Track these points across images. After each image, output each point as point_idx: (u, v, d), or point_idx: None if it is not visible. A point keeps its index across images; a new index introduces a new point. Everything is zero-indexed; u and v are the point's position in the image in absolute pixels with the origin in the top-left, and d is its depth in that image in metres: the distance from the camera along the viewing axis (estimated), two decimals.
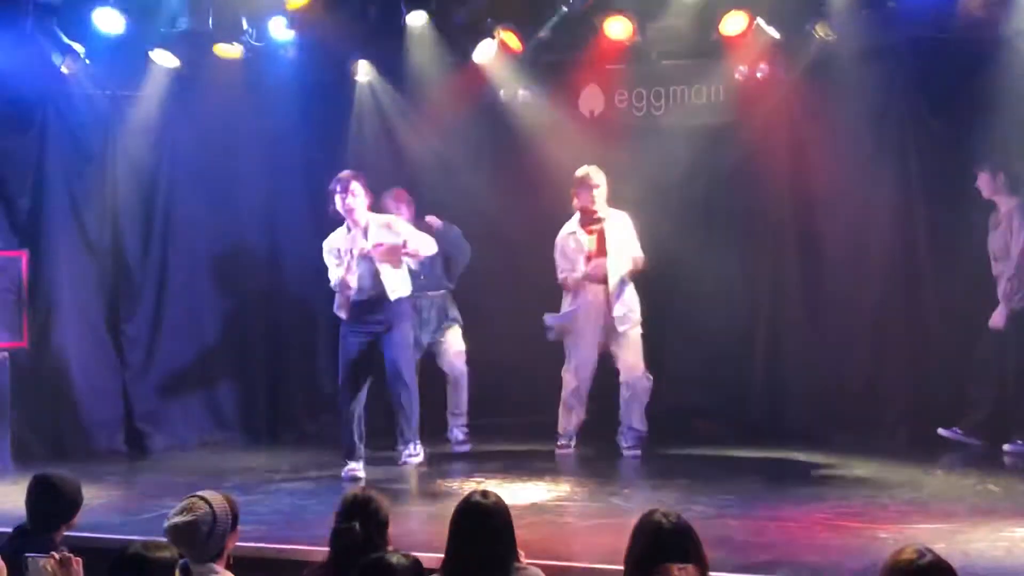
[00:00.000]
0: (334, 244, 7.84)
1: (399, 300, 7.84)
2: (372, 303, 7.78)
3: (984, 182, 8.17)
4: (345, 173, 7.90)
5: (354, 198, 7.77)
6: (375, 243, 7.71)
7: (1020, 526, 5.91)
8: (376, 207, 8.18)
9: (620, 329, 8.26)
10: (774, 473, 7.68)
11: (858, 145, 8.89)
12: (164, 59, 8.95)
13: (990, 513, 6.27)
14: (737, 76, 9.12)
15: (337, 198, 7.79)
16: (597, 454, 8.48)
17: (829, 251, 9.06)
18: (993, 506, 6.50)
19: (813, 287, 9.13)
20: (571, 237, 8.39)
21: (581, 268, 8.32)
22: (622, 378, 8.35)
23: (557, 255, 8.43)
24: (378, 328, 7.78)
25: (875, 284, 8.88)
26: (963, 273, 8.45)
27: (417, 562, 3.82)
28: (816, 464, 7.87)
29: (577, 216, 8.44)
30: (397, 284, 7.84)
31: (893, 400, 8.77)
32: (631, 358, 8.31)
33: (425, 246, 7.97)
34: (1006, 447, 8.10)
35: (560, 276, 8.44)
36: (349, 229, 7.85)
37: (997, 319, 8.10)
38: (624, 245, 8.35)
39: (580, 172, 8.36)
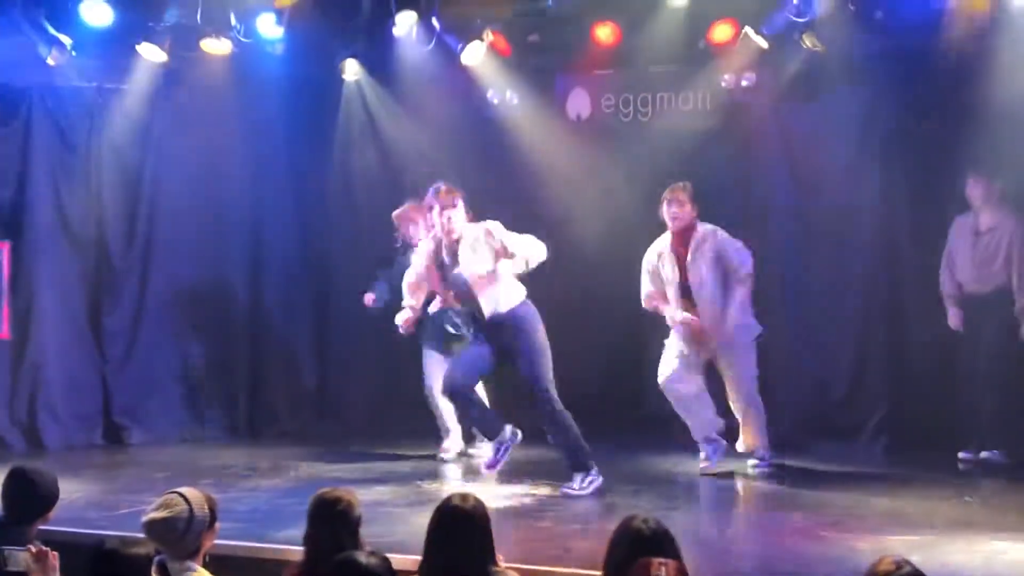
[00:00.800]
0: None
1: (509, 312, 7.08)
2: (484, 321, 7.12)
3: (978, 189, 8.16)
4: (441, 187, 7.14)
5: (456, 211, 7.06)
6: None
7: (997, 538, 5.92)
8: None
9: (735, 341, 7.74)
10: (754, 480, 7.68)
11: (844, 154, 8.92)
12: (151, 53, 8.90)
13: (967, 525, 6.27)
14: (724, 84, 9.14)
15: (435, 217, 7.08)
16: None
17: (813, 258, 9.08)
18: (970, 517, 6.50)
19: (796, 293, 9.14)
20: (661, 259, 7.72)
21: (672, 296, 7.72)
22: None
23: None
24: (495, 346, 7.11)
25: (858, 292, 8.91)
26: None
27: (387, 561, 3.79)
28: (796, 472, 7.86)
29: (668, 236, 7.74)
30: (496, 296, 7.07)
31: (873, 409, 8.79)
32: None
33: (534, 251, 7.09)
34: (961, 454, 8.15)
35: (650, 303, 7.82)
36: (438, 252, 7.18)
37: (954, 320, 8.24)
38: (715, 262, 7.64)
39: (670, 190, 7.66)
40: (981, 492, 7.21)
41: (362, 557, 3.73)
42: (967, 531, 6.09)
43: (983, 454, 8.09)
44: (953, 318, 8.27)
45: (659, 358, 7.99)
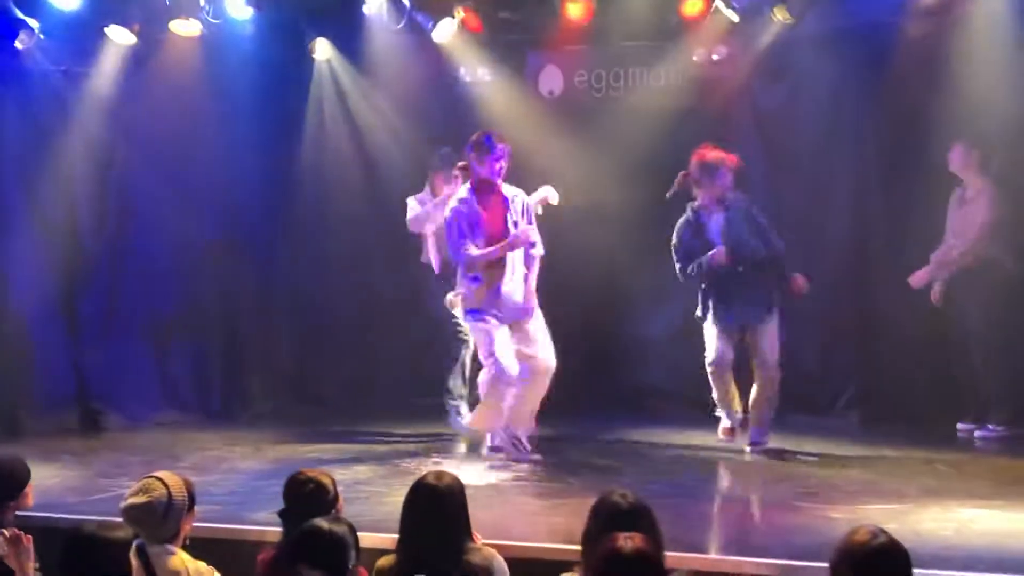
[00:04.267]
0: None
1: None
2: None
3: (957, 156, 8.17)
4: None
5: None
6: None
7: (969, 506, 5.99)
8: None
9: None
10: (730, 454, 7.73)
11: (816, 129, 8.96)
12: (120, 35, 8.85)
13: (940, 493, 6.34)
14: (695, 59, 9.15)
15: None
16: (557, 435, 8.51)
17: (785, 233, 9.10)
18: (943, 486, 6.57)
19: None
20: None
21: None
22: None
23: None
24: None
25: (829, 266, 8.96)
26: (916, 256, 8.52)
27: (351, 527, 3.79)
28: (771, 445, 7.91)
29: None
30: None
31: (845, 382, 8.87)
32: None
33: None
34: (960, 425, 8.20)
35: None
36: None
37: (918, 278, 8.21)
38: None
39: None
40: (953, 462, 7.28)
41: (325, 524, 3.73)
42: (940, 500, 6.16)
43: (982, 432, 8.10)
44: (934, 292, 8.25)
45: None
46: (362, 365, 9.81)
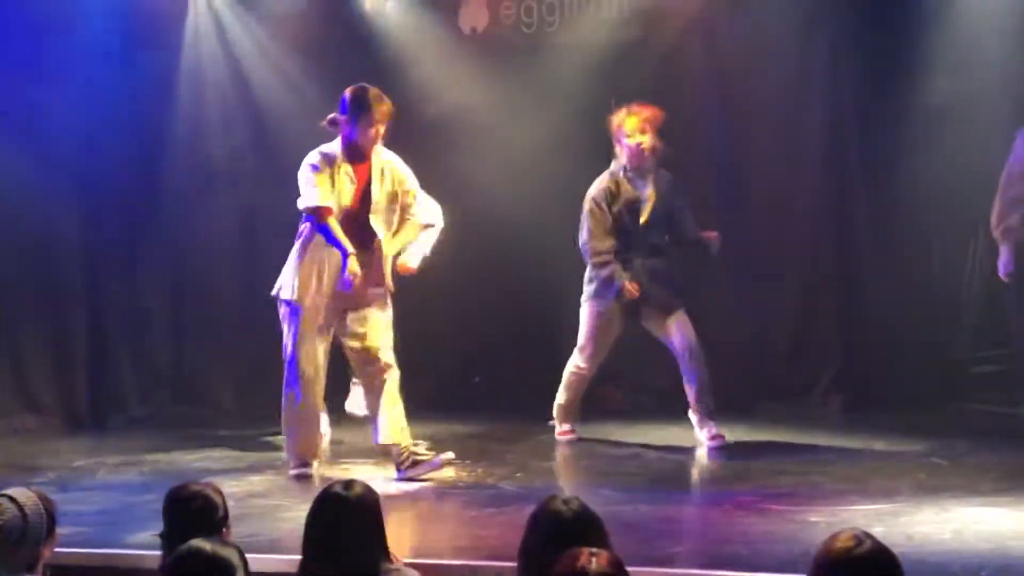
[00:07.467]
0: None
1: None
2: None
3: None
4: None
5: None
6: None
7: (969, 505, 6.09)
8: None
9: None
10: (691, 449, 7.80)
11: (783, 69, 9.02)
12: None
13: (936, 490, 6.44)
14: None
15: None
16: (485, 433, 8.54)
17: (751, 191, 9.19)
18: (940, 482, 6.68)
19: (733, 234, 9.23)
20: None
21: None
22: None
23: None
24: None
25: (804, 228, 9.06)
26: (904, 214, 8.64)
27: (238, 550, 3.78)
28: (739, 438, 7.99)
29: None
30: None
31: (825, 364, 8.96)
32: None
33: None
34: None
35: None
36: None
37: (1005, 265, 8.00)
38: None
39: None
40: (953, 452, 7.39)
41: (208, 546, 3.71)
42: (936, 498, 6.26)
43: None
44: (1005, 261, 7.94)
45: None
46: (254, 358, 9.75)
